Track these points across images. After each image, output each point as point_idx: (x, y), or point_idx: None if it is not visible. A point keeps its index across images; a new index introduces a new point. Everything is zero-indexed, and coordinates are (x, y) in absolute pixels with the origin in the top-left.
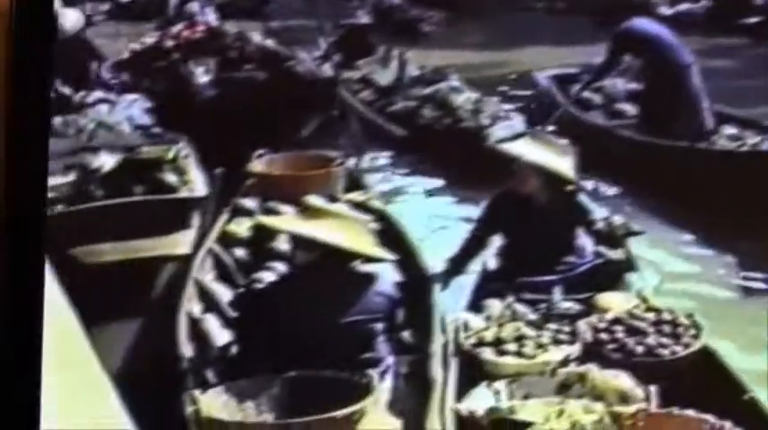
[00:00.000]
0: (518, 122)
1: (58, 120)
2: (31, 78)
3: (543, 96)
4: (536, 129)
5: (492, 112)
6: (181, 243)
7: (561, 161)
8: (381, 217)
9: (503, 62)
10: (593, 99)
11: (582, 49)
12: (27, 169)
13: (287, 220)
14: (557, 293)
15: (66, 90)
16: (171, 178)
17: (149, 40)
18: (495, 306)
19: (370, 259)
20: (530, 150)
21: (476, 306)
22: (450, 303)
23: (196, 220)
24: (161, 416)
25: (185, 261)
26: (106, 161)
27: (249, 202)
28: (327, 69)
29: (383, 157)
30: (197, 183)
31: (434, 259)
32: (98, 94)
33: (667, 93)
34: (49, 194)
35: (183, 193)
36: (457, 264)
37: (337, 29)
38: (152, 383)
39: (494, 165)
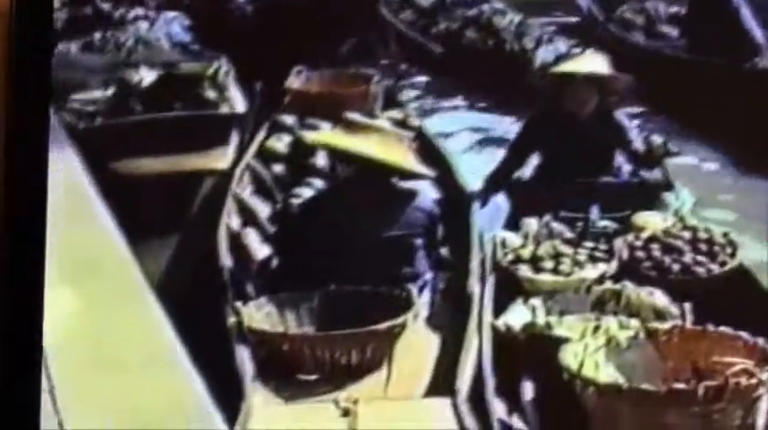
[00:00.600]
0: (561, 45)
1: (96, 36)
2: (31, 78)
3: (584, 16)
4: (578, 49)
5: (535, 35)
6: (220, 158)
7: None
8: (419, 135)
9: None
10: (635, 20)
11: None
12: (27, 169)
13: (327, 135)
14: (593, 212)
15: (105, 5)
16: (210, 94)
17: None
18: (532, 224)
19: (409, 175)
20: (572, 68)
21: (513, 223)
22: (488, 220)
23: (235, 137)
24: (203, 327)
25: (224, 176)
26: (146, 76)
27: (288, 119)
28: None
29: (422, 76)
30: (236, 100)
31: (472, 177)
32: (137, 10)
33: (711, 13)
34: (89, 108)
35: (223, 110)
36: (495, 182)
37: None
38: (193, 295)
39: (535, 85)
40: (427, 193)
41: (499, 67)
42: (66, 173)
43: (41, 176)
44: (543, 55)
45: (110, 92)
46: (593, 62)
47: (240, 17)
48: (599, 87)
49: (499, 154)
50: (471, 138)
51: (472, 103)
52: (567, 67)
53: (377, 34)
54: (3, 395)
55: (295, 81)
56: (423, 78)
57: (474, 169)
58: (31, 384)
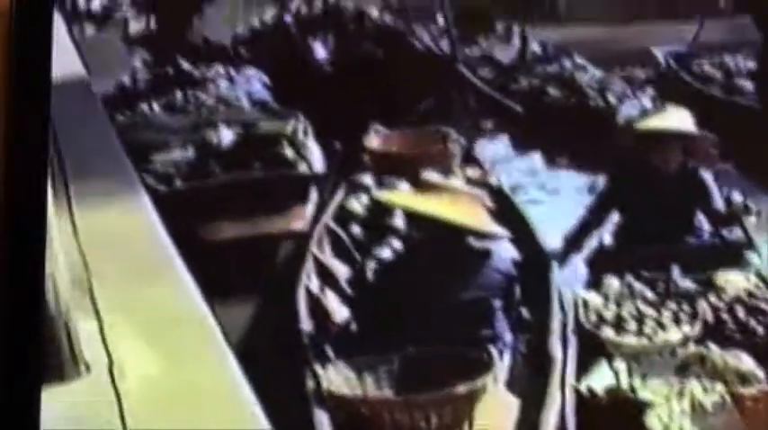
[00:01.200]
0: (645, 100)
1: (178, 95)
2: (31, 78)
3: (663, 70)
4: (660, 104)
5: (618, 90)
6: (298, 219)
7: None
8: (497, 193)
9: (621, 38)
10: (713, 74)
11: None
12: (27, 169)
13: (402, 197)
14: (675, 271)
15: (187, 65)
16: (289, 153)
17: (269, 15)
18: (613, 283)
19: (485, 235)
20: (655, 124)
21: (593, 283)
22: (568, 280)
23: (313, 196)
24: (282, 389)
25: (303, 237)
26: (225, 136)
27: (365, 178)
28: (445, 45)
29: (501, 133)
30: (315, 159)
31: (551, 234)
32: (218, 68)
33: None
34: (170, 169)
35: (301, 169)
36: (575, 241)
37: (455, 4)
38: (272, 357)
39: (620, 142)
40: (504, 253)
41: (582, 123)
42: (147, 230)
43: (41, 177)
44: (627, 110)
45: (190, 153)
46: (679, 119)
47: (319, 75)
48: (683, 145)
49: (579, 212)
50: (550, 196)
51: (553, 159)
52: (652, 123)
53: (456, 92)
54: (3, 396)
55: (373, 140)
56: (502, 135)
57: (553, 228)
58: (31, 385)
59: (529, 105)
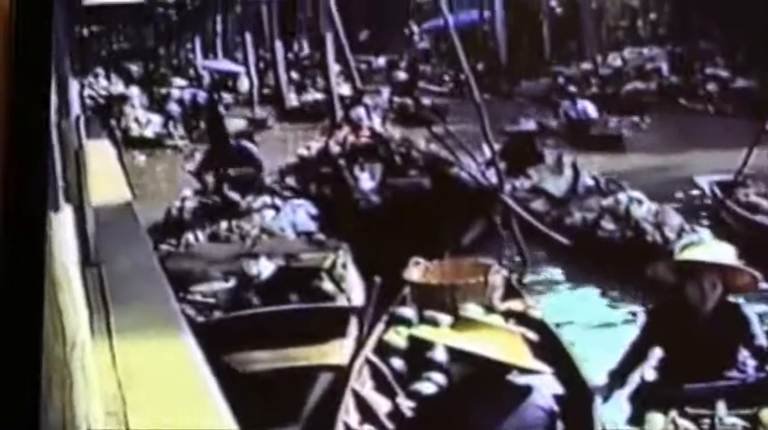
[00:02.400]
0: (704, 233)
1: (222, 226)
2: (31, 78)
3: (708, 198)
4: (706, 234)
5: (675, 225)
6: (337, 352)
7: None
8: (540, 327)
9: (672, 166)
10: (760, 203)
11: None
12: (27, 169)
13: (443, 332)
14: (720, 408)
15: (235, 195)
16: (328, 286)
17: (316, 144)
18: (657, 419)
19: (526, 371)
20: (693, 256)
21: (637, 419)
22: (611, 416)
23: (353, 329)
24: None
25: (342, 370)
26: (264, 268)
27: (406, 311)
28: (492, 176)
29: (547, 266)
30: (355, 292)
31: (594, 369)
32: (265, 199)
33: None
34: (209, 300)
35: (341, 302)
36: (619, 376)
37: (503, 135)
38: None
39: (658, 275)
40: (546, 389)
41: (638, 258)
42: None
43: (41, 176)
44: (681, 243)
45: (230, 284)
46: (719, 251)
47: (365, 205)
48: (723, 277)
49: (623, 346)
50: (597, 330)
51: (604, 292)
52: (692, 254)
53: (501, 223)
54: (3, 396)
55: (413, 272)
56: (548, 268)
57: (597, 363)
58: (31, 385)
59: (582, 239)
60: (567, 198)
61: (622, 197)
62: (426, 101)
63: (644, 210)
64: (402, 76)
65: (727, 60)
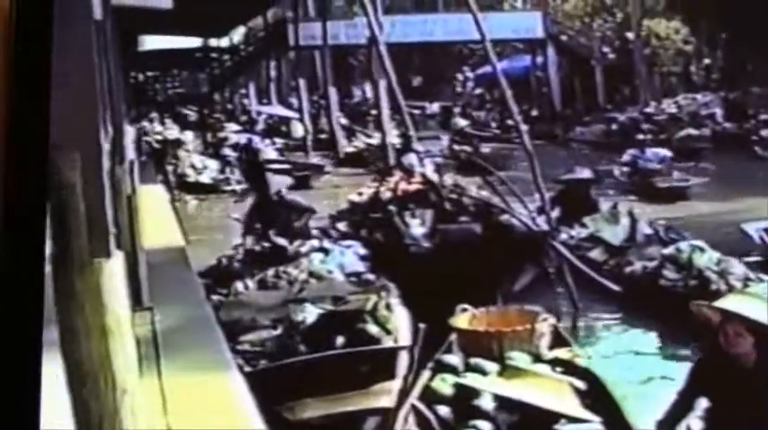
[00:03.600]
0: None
1: (270, 272)
2: (31, 78)
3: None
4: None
5: (740, 274)
6: (383, 396)
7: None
8: (588, 375)
9: (727, 212)
10: None
11: None
12: (27, 169)
13: (490, 380)
14: None
15: (282, 241)
16: (373, 329)
17: (367, 190)
18: None
19: (574, 420)
20: (732, 307)
21: None
22: None
23: (401, 370)
24: None
25: (389, 413)
26: (310, 313)
27: (452, 358)
28: (543, 223)
29: (599, 313)
30: (401, 332)
31: (642, 419)
32: (313, 242)
33: None
34: (257, 349)
35: (386, 344)
36: (666, 428)
37: (558, 183)
38: None
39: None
40: None
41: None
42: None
43: (41, 176)
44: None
45: (277, 331)
46: (751, 307)
47: (415, 251)
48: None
49: (671, 395)
50: (645, 380)
51: (662, 340)
52: (726, 304)
53: (553, 271)
54: (3, 395)
55: (460, 319)
56: (599, 315)
57: (645, 413)
58: (31, 385)
59: (643, 287)
60: (625, 247)
61: (684, 246)
62: (485, 149)
63: (706, 258)
64: (461, 122)
65: None
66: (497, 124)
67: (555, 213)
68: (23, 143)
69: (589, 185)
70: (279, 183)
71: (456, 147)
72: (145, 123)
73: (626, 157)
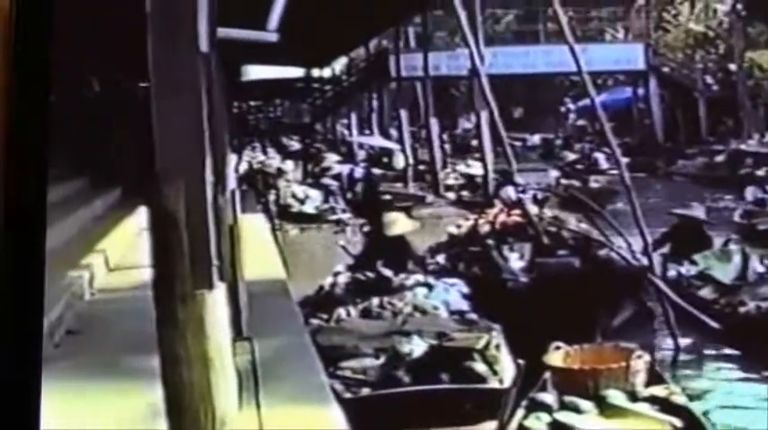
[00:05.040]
0: None
1: (375, 302)
2: (31, 78)
3: None
4: None
5: None
6: None
7: None
8: (686, 414)
9: None
10: None
11: None
12: (27, 168)
13: (585, 419)
14: None
15: (388, 272)
16: (480, 367)
17: (466, 223)
18: None
19: None
20: None
21: None
22: None
23: (504, 412)
24: None
25: None
26: (417, 346)
27: (546, 397)
28: (643, 258)
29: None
30: (507, 373)
31: None
32: (417, 277)
33: None
34: (358, 377)
35: (493, 384)
36: None
37: (671, 216)
38: None
39: None
40: None
41: None
42: None
43: (41, 175)
44: None
45: (380, 361)
46: None
47: (514, 286)
48: None
49: None
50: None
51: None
52: None
53: (653, 306)
54: (3, 394)
55: (554, 357)
56: (693, 355)
57: None
58: (31, 384)
59: (756, 328)
60: (736, 285)
61: None
62: (594, 184)
63: None
64: (570, 156)
65: None
66: (605, 157)
67: (665, 249)
68: (23, 143)
69: (703, 224)
70: (402, 226)
71: (564, 181)
72: (247, 152)
73: (749, 196)
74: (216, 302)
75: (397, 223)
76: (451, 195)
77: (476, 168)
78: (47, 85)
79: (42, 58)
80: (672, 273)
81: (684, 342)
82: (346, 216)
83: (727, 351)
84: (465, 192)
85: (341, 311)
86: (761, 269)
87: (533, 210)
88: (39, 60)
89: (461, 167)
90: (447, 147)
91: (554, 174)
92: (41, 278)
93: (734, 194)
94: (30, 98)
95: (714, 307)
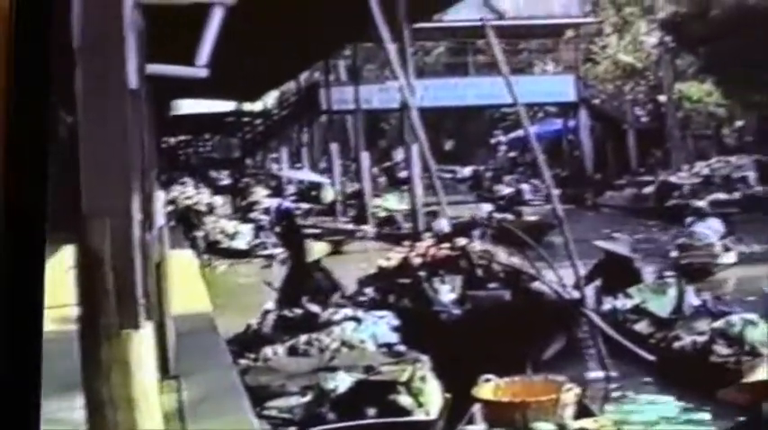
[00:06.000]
0: None
1: (302, 339)
2: (31, 78)
3: None
4: None
5: None
6: None
7: None
8: None
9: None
10: None
11: None
12: (27, 168)
13: None
14: None
15: (315, 307)
16: (406, 400)
17: (396, 255)
18: None
19: None
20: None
21: None
22: None
23: None
24: None
25: None
26: (342, 381)
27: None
28: (574, 291)
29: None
30: (433, 405)
31: None
32: (346, 311)
33: None
34: (284, 416)
35: (418, 416)
36: None
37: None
38: None
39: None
40: None
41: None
42: None
43: (41, 175)
44: None
45: (306, 399)
46: None
47: (445, 319)
48: None
49: None
50: None
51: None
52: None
53: (583, 339)
54: (3, 394)
55: (483, 389)
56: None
57: None
58: (31, 384)
59: (694, 362)
60: (672, 319)
61: (735, 319)
62: (531, 217)
63: (758, 332)
64: (505, 190)
65: None
66: (532, 189)
67: (597, 282)
68: (23, 143)
69: (630, 260)
70: (319, 251)
71: (498, 214)
72: (176, 187)
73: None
74: (142, 341)
75: (315, 248)
76: (381, 228)
77: (405, 202)
78: (47, 85)
79: (42, 57)
80: (607, 306)
81: (615, 375)
82: (277, 251)
83: (660, 384)
84: (395, 225)
85: (267, 350)
86: (696, 302)
87: (464, 242)
88: (38, 60)
89: (391, 201)
90: (381, 180)
91: (487, 207)
92: (41, 278)
93: (660, 226)
94: (29, 97)
95: (650, 341)
